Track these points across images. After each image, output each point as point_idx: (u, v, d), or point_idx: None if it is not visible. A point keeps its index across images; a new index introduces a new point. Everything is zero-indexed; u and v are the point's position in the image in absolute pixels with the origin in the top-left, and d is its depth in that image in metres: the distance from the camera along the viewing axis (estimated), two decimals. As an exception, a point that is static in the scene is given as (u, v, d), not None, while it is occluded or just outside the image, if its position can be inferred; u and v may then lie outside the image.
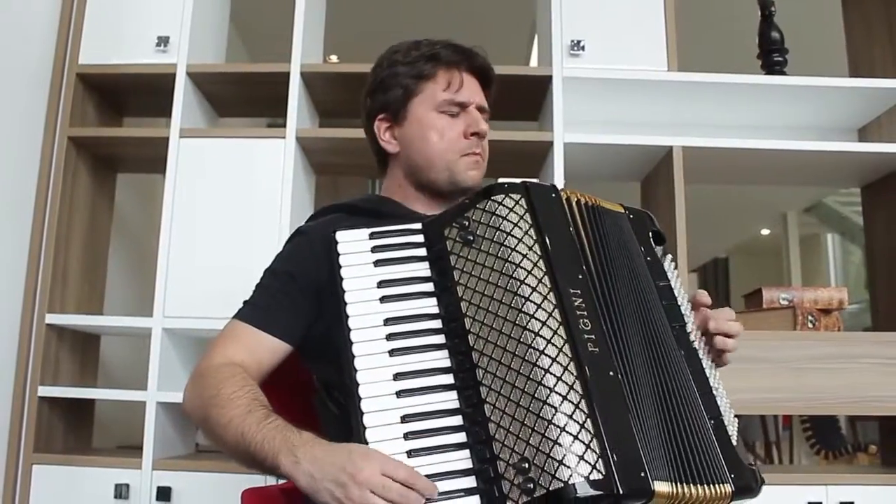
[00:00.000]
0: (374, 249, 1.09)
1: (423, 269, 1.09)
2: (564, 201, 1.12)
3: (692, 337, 1.15)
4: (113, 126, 2.69)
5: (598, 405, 0.93)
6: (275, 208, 2.32)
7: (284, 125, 2.38)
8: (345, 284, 1.05)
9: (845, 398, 2.17)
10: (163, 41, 2.42)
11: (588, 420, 0.92)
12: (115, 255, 2.80)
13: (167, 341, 2.28)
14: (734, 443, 1.07)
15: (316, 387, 1.27)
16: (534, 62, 4.26)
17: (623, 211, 1.22)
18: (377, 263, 1.08)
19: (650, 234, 1.24)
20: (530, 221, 1.06)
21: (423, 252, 1.10)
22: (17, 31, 2.33)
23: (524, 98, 2.56)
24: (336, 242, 1.08)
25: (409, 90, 1.35)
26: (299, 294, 1.23)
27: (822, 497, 2.12)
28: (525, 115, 2.71)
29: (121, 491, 2.16)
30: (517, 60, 4.47)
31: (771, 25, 2.61)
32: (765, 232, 8.68)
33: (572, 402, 0.93)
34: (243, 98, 2.65)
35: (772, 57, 2.58)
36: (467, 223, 1.08)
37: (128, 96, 2.65)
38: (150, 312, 2.29)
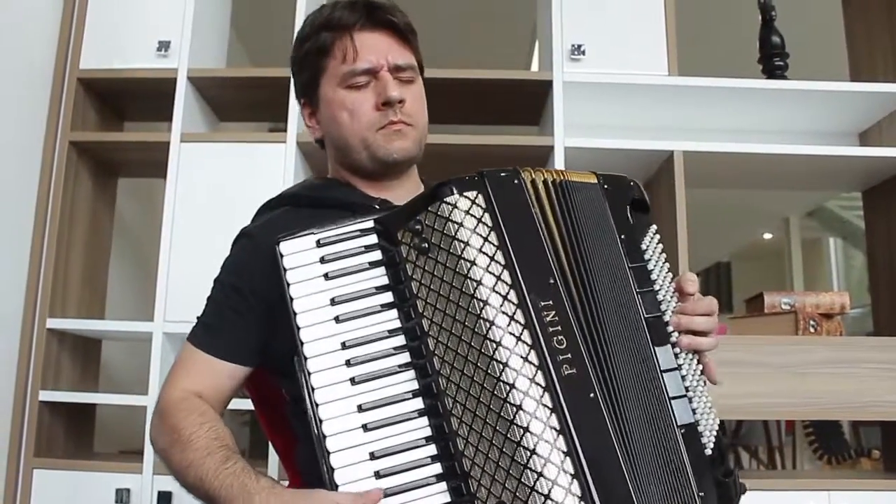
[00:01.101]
0: (323, 260, 1.00)
1: (378, 275, 1.00)
2: (529, 186, 1.00)
3: (669, 328, 1.02)
4: (114, 131, 2.69)
5: (579, 438, 0.87)
6: (276, 213, 2.32)
7: (285, 130, 2.38)
8: (295, 306, 0.97)
9: (847, 403, 2.16)
10: (164, 46, 2.42)
11: (567, 459, 0.86)
12: (116, 259, 2.80)
13: (168, 346, 2.28)
14: (708, 451, 0.98)
15: (286, 399, 1.21)
16: (535, 67, 4.26)
17: (595, 181, 1.07)
18: (328, 276, 0.99)
19: (629, 204, 1.08)
20: (490, 224, 0.95)
21: (377, 256, 1.00)
22: (18, 35, 2.34)
23: (525, 103, 2.56)
24: (281, 255, 1.00)
25: (314, 70, 1.24)
26: (249, 311, 1.16)
27: (823, 502, 2.11)
28: (526, 120, 2.71)
29: (122, 496, 2.16)
30: (518, 65, 4.48)
31: (772, 30, 2.61)
32: (767, 236, 8.66)
33: (548, 442, 0.86)
34: (244, 103, 2.65)
35: (773, 61, 2.58)
36: (420, 228, 0.97)
37: (129, 101, 2.65)
38: (151, 317, 2.29)
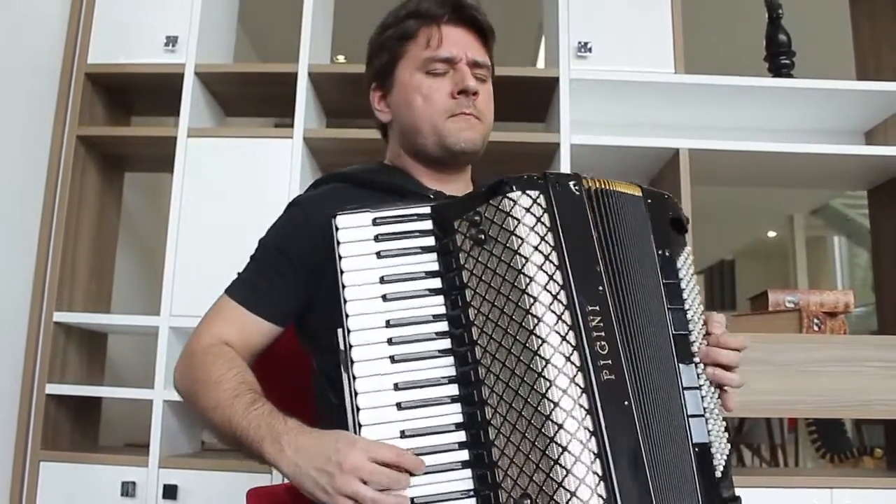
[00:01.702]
0: (378, 238, 1.00)
1: (429, 261, 1.00)
2: (586, 196, 1.01)
3: (694, 348, 1.05)
4: (121, 125, 2.70)
5: (610, 443, 0.88)
6: (282, 208, 2.31)
7: (292, 125, 2.39)
8: (345, 279, 0.97)
9: (850, 401, 2.16)
10: (171, 41, 2.43)
11: (597, 461, 0.87)
12: (122, 253, 2.82)
13: (174, 340, 2.29)
14: (717, 474, 1.00)
15: (314, 370, 1.24)
16: (541, 64, 4.26)
17: (640, 194, 1.09)
18: (380, 255, 0.99)
19: (669, 221, 1.10)
20: (548, 224, 0.96)
21: (431, 241, 1.01)
22: (26, 30, 2.34)
23: (531, 99, 2.56)
24: (336, 228, 0.99)
25: (393, 54, 1.27)
26: (291, 274, 1.19)
27: (826, 500, 2.12)
28: (532, 117, 2.72)
29: (127, 489, 2.17)
30: (524, 62, 4.48)
31: (778, 28, 2.61)
32: (771, 234, 8.66)
33: (581, 442, 0.88)
34: (251, 98, 2.66)
35: (779, 59, 2.58)
36: (479, 219, 0.97)
37: (136, 96, 2.66)
38: (157, 311, 2.30)
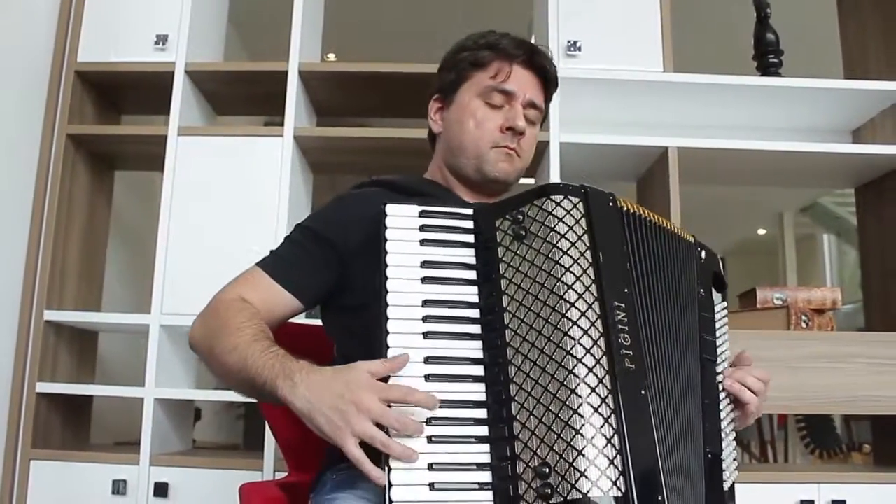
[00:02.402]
0: (423, 228, 1.05)
1: (468, 255, 1.06)
2: (620, 212, 1.10)
3: (718, 370, 1.16)
4: (111, 124, 2.70)
5: (627, 422, 0.93)
6: (272, 206, 2.33)
7: (282, 124, 2.39)
8: (388, 259, 1.02)
9: (838, 398, 2.18)
10: (161, 39, 2.43)
11: (616, 436, 0.92)
12: (113, 252, 2.81)
13: (164, 338, 2.29)
14: (725, 486, 1.07)
15: (335, 356, 1.29)
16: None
17: (693, 241, 1.22)
18: (423, 242, 1.05)
19: (714, 273, 1.24)
20: (585, 227, 1.03)
21: (470, 238, 1.07)
22: (16, 28, 2.34)
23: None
24: (385, 215, 1.05)
25: (461, 75, 1.35)
26: (322, 257, 1.24)
27: (814, 495, 2.14)
28: (522, 115, 2.72)
29: (118, 487, 2.17)
30: (514, 60, 4.47)
31: (766, 27, 2.62)
32: (761, 232, 8.69)
33: (602, 416, 0.92)
34: (241, 97, 2.66)
35: (767, 58, 2.59)
36: (521, 218, 1.04)
37: (126, 94, 2.66)
38: (147, 309, 2.30)
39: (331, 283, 1.25)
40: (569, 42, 2.43)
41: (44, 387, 2.28)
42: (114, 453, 2.27)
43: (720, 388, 1.16)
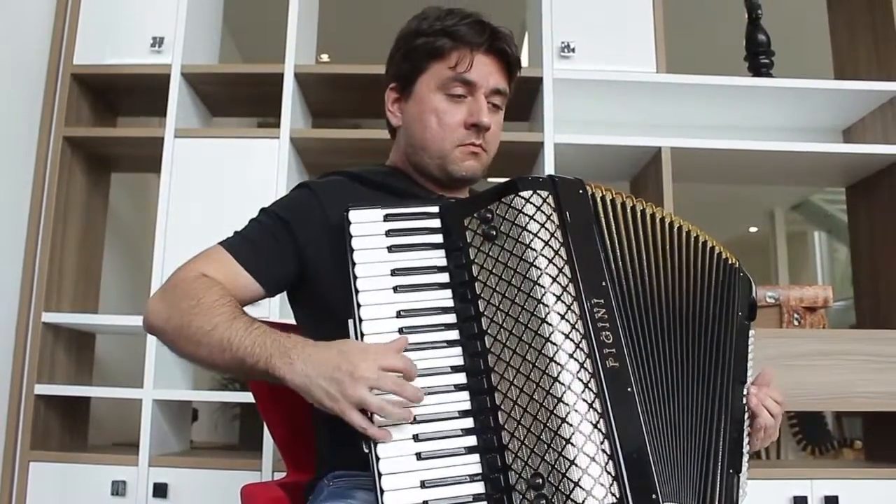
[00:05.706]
0: (389, 233, 1.03)
1: (438, 257, 1.03)
2: (593, 199, 1.06)
3: (744, 389, 1.14)
4: (107, 126, 2.70)
5: (616, 424, 0.92)
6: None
7: (277, 125, 2.40)
8: (357, 270, 0.99)
9: (830, 394, 2.20)
10: (157, 41, 2.44)
11: (606, 441, 0.91)
12: (109, 253, 2.82)
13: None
14: (738, 500, 1.07)
15: None
16: (524, 63, 4.28)
17: (736, 264, 1.19)
18: (391, 249, 1.02)
19: (749, 302, 1.20)
20: (557, 223, 1.01)
21: (439, 239, 1.04)
22: (12, 31, 2.34)
23: (515, 99, 2.51)
24: (349, 222, 1.02)
25: (418, 66, 1.27)
26: (288, 246, 1.20)
27: (806, 491, 2.16)
28: (516, 116, 2.73)
29: (117, 488, 2.18)
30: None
31: (758, 28, 2.64)
32: (752, 229, 8.72)
33: (591, 422, 0.91)
34: (237, 98, 2.67)
35: (758, 59, 2.61)
36: (490, 216, 1.01)
37: (122, 96, 2.66)
38: (144, 311, 2.30)
39: (293, 272, 1.21)
40: (562, 43, 2.45)
41: (42, 388, 2.28)
42: (113, 454, 2.28)
43: (744, 408, 1.13)
